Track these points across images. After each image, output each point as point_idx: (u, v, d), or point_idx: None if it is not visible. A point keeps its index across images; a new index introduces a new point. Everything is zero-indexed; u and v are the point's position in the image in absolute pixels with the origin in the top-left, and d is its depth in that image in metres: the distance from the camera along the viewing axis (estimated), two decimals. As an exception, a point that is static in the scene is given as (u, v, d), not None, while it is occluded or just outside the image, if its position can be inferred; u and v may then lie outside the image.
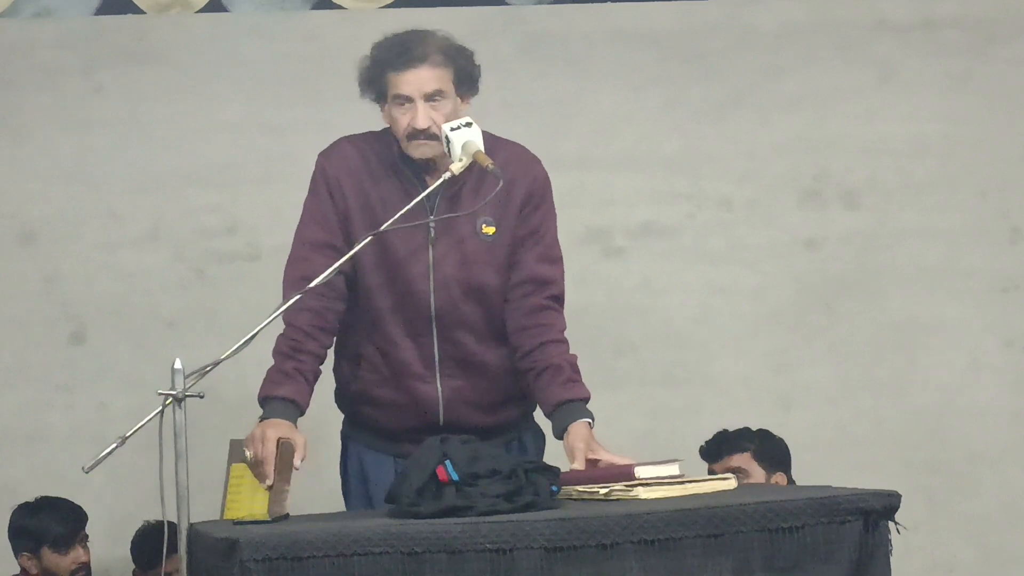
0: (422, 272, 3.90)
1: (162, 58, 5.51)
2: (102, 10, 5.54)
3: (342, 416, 4.12)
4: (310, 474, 3.78)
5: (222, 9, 5.58)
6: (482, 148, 3.77)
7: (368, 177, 3.92)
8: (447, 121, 3.82)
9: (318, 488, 4.31)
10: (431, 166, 3.86)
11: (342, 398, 4.10)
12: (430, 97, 3.84)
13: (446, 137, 3.79)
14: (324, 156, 3.99)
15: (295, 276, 3.82)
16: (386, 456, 3.97)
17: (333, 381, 4.06)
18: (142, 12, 5.51)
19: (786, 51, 5.70)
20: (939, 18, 5.74)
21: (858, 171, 5.71)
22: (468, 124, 3.81)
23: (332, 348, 4.00)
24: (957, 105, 5.73)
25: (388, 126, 3.93)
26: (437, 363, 3.93)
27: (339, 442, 4.12)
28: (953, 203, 5.71)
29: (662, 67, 5.66)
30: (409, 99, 3.83)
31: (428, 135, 3.82)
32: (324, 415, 4.06)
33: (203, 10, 5.54)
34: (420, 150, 3.84)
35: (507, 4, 5.67)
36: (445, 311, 3.91)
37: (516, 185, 3.91)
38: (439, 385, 3.94)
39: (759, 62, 5.70)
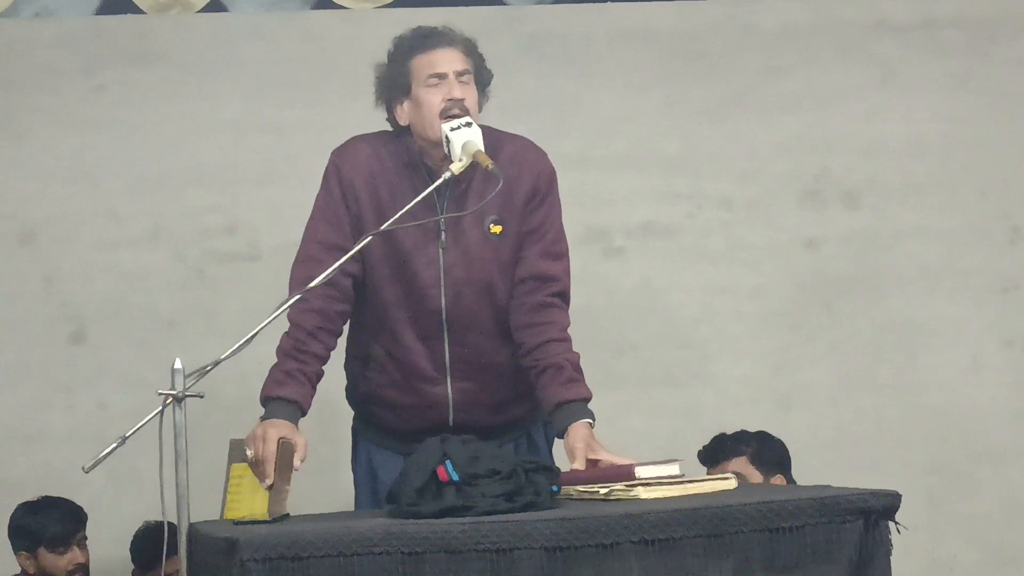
0: (432, 275, 3.89)
1: (162, 58, 5.50)
2: (102, 10, 5.54)
3: (347, 416, 4.12)
4: (313, 474, 3.78)
5: (222, 9, 5.58)
6: (482, 148, 3.77)
7: (382, 178, 3.90)
8: (475, 105, 3.85)
9: (322, 488, 4.31)
10: (446, 165, 3.82)
11: (352, 396, 4.09)
12: (460, 75, 3.86)
13: (446, 137, 3.79)
14: (338, 155, 3.96)
15: (303, 275, 3.77)
16: (395, 455, 3.94)
17: (337, 382, 4.06)
18: (142, 12, 5.51)
19: (786, 51, 5.70)
20: (939, 18, 5.74)
21: (858, 171, 5.71)
22: (468, 124, 3.81)
23: (344, 346, 4.00)
24: (957, 105, 5.73)
25: (402, 125, 3.91)
26: (448, 366, 3.93)
27: (343, 442, 4.12)
28: (953, 203, 5.71)
29: (662, 67, 5.66)
30: (443, 75, 3.85)
31: (463, 107, 3.83)
32: (329, 415, 4.06)
33: (203, 10, 5.54)
34: None
35: (507, 4, 5.67)
36: (456, 313, 3.90)
37: (520, 182, 3.91)
38: (449, 388, 3.93)
39: (759, 62, 5.70)
